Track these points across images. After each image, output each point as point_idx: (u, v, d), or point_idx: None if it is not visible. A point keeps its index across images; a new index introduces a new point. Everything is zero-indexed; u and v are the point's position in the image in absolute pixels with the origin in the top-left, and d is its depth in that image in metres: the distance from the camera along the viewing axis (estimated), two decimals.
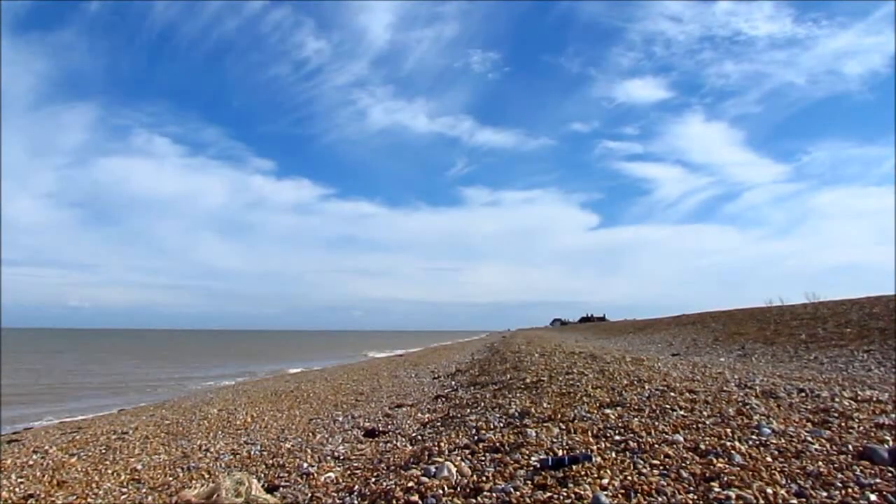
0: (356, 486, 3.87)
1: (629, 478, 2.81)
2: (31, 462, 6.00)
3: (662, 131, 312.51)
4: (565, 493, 2.70)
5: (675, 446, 3.26)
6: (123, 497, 4.52)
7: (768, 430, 3.42)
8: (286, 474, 4.59)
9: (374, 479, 3.90)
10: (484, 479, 3.17)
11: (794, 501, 2.37)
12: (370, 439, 5.80)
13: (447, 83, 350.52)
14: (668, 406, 4.41)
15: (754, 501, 2.39)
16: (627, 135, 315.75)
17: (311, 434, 6.49)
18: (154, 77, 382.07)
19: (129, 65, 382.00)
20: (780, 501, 2.38)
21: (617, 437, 3.62)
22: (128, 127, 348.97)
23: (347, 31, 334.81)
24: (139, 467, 5.40)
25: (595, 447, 3.44)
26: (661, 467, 2.93)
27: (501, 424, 4.66)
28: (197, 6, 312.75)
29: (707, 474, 2.74)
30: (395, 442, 5.46)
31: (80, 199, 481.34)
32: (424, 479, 3.36)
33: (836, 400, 4.34)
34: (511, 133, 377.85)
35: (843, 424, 3.52)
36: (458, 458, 3.70)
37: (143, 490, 4.65)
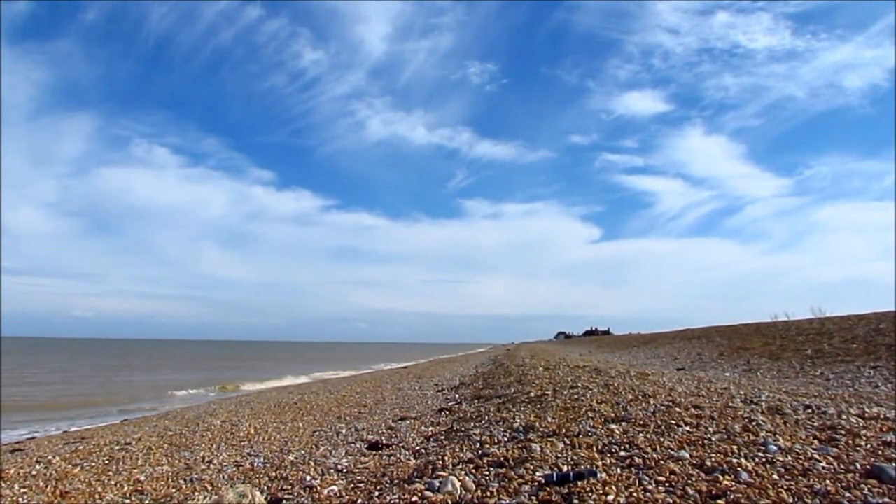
0: (359, 500, 3.86)
1: (635, 494, 2.79)
2: (34, 472, 6.00)
3: (662, 144, 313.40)
4: None
5: (680, 463, 3.24)
6: None
7: (775, 448, 3.39)
8: (289, 487, 4.58)
9: (377, 493, 3.88)
10: (488, 494, 3.16)
11: None
12: (373, 452, 5.77)
13: (445, 94, 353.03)
14: (673, 422, 4.38)
15: None
16: (627, 147, 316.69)
17: (314, 446, 6.47)
18: (152, 87, 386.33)
19: (126, 74, 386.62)
20: None
21: (622, 453, 3.60)
22: (127, 137, 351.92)
23: (344, 42, 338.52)
24: (142, 478, 5.39)
25: (600, 463, 3.42)
26: (667, 484, 2.91)
27: (506, 439, 4.64)
28: (192, 16, 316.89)
29: (713, 492, 2.72)
30: (398, 455, 5.43)
31: (81, 208, 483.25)
32: (428, 493, 3.35)
33: (843, 417, 4.30)
34: (510, 145, 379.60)
35: (850, 442, 3.49)
36: (462, 472, 3.69)
37: (146, 501, 4.64)
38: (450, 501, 3.16)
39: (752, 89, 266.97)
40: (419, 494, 3.35)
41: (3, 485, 5.48)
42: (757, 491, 2.67)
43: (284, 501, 4.17)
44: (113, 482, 5.33)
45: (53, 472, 5.97)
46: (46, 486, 5.32)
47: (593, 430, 4.37)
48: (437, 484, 3.44)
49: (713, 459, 3.23)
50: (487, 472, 3.60)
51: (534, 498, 2.95)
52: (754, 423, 4.11)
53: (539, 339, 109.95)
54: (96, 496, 4.89)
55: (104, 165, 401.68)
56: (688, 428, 4.14)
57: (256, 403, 12.26)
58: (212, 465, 5.79)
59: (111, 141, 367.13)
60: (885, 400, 5.70)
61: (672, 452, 3.47)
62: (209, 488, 4.84)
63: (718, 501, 2.60)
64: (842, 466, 2.98)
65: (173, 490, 4.89)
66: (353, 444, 6.38)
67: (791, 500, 2.55)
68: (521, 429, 4.86)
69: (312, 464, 5.41)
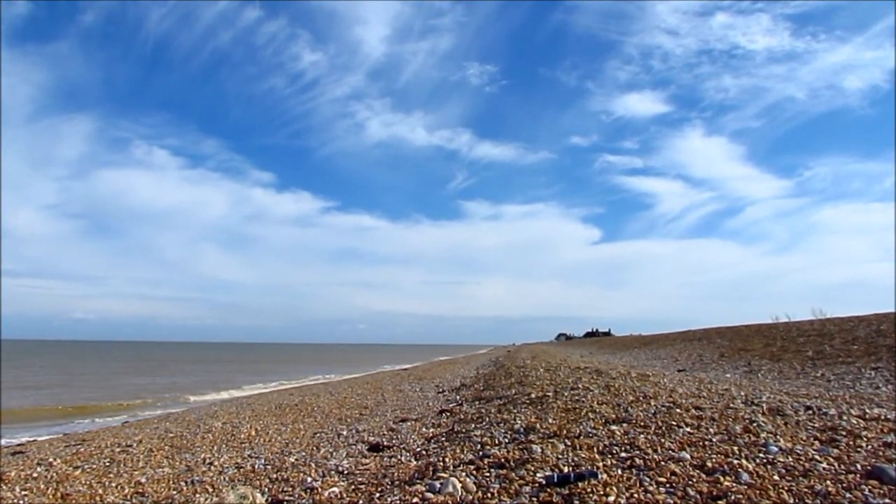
0: (360, 502, 3.86)
1: (635, 495, 2.79)
2: (35, 474, 6.01)
3: (662, 146, 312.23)
4: None
5: (681, 464, 3.24)
6: None
7: (775, 448, 3.40)
8: (290, 489, 4.58)
9: (378, 495, 3.89)
10: (489, 495, 3.16)
11: None
12: (374, 454, 5.77)
13: (444, 96, 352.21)
14: (674, 423, 4.39)
15: None
16: (627, 149, 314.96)
17: (315, 448, 6.47)
18: (151, 89, 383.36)
19: (125, 76, 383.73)
20: None
21: (623, 454, 3.60)
22: (127, 139, 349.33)
23: (343, 44, 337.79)
24: (143, 480, 5.39)
25: (601, 464, 3.42)
26: (668, 485, 2.91)
27: (506, 440, 4.64)
28: (191, 18, 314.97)
29: (714, 493, 2.72)
30: (399, 457, 5.43)
31: (82, 210, 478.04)
32: (429, 494, 3.35)
33: (844, 418, 4.30)
34: (510, 146, 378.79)
35: (851, 443, 3.49)
36: (463, 473, 3.69)
37: (147, 503, 4.64)
38: (450, 503, 3.16)
39: (751, 90, 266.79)
40: (420, 496, 3.36)
41: (4, 487, 5.48)
42: (758, 492, 2.67)
43: (285, 503, 4.18)
44: (114, 484, 5.33)
45: (54, 474, 5.97)
46: (47, 489, 5.33)
47: (594, 432, 4.37)
48: (438, 485, 3.45)
49: (714, 460, 3.23)
50: (488, 474, 3.60)
51: (535, 499, 2.95)
52: (755, 425, 4.11)
53: (540, 340, 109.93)
54: (97, 498, 4.90)
55: (104, 167, 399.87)
56: (689, 429, 4.15)
57: (257, 405, 12.26)
58: (213, 467, 5.80)
59: (111, 143, 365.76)
60: (885, 401, 5.70)
61: (673, 453, 3.47)
62: (210, 490, 4.84)
63: (719, 502, 2.61)
64: (843, 467, 2.98)
65: (174, 492, 4.89)
66: (354, 446, 6.39)
67: (792, 501, 2.55)
68: (521, 430, 4.86)
69: (313, 465, 5.41)
